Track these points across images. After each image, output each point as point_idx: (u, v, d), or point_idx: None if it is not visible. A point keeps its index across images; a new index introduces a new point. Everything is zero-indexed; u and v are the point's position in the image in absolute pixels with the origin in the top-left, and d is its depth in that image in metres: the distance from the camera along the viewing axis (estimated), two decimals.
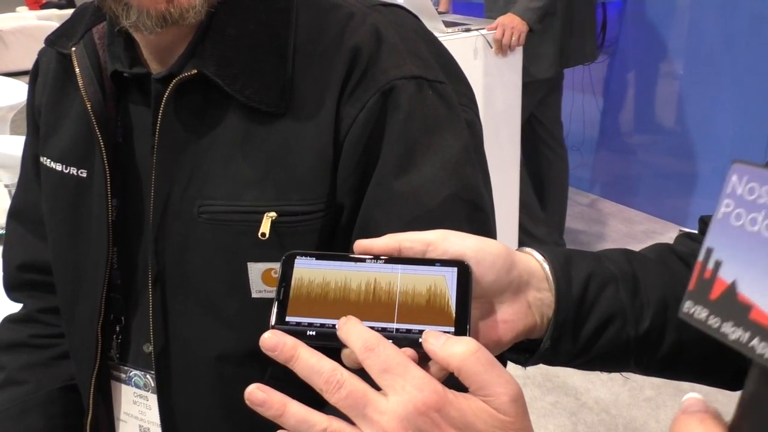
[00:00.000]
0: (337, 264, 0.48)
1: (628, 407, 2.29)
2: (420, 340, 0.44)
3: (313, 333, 0.45)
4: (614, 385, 2.36)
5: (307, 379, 0.42)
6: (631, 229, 3.46)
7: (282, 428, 0.42)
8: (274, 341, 0.43)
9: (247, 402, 0.42)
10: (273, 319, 0.46)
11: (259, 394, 0.42)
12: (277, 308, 0.46)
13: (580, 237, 3.39)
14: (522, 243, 2.83)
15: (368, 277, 0.47)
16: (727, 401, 0.51)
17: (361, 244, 0.49)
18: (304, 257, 0.48)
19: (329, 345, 0.44)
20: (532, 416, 0.42)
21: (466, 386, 0.42)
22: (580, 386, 2.37)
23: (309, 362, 0.42)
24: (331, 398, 0.41)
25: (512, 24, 2.48)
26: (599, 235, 3.43)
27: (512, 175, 2.70)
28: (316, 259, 0.48)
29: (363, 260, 0.48)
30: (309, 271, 0.48)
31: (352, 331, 0.44)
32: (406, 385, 0.40)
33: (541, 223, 2.90)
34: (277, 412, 0.42)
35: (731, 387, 0.60)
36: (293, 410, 0.42)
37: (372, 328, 0.44)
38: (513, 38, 2.47)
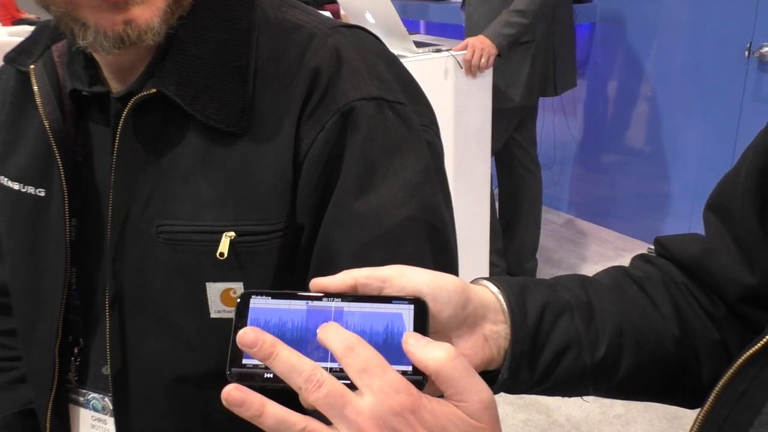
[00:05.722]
0: (293, 303, 0.47)
1: (598, 424, 2.30)
2: None
3: (271, 375, 0.44)
4: (585, 402, 2.37)
5: (286, 377, 0.42)
6: (603, 248, 3.50)
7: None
8: (252, 337, 0.43)
9: (224, 403, 0.42)
10: (229, 362, 0.45)
11: (237, 395, 0.42)
12: (233, 350, 0.45)
13: (553, 255, 3.42)
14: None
15: (325, 316, 0.47)
16: (693, 414, 0.52)
17: (317, 283, 0.49)
18: (259, 296, 0.48)
19: (287, 387, 0.43)
20: None
21: (442, 390, 0.43)
22: (551, 404, 2.38)
23: (289, 360, 0.42)
24: (310, 397, 0.41)
25: (482, 45, 2.50)
26: (571, 253, 3.46)
27: (483, 195, 2.71)
28: (272, 298, 0.47)
29: (319, 298, 0.48)
30: (265, 310, 0.47)
31: (332, 332, 0.43)
32: (383, 386, 0.41)
33: (494, 252, 2.91)
34: (257, 413, 0.41)
35: (691, 405, 0.61)
36: (272, 410, 0.41)
37: (330, 369, 0.44)
38: (482, 60, 2.49)
